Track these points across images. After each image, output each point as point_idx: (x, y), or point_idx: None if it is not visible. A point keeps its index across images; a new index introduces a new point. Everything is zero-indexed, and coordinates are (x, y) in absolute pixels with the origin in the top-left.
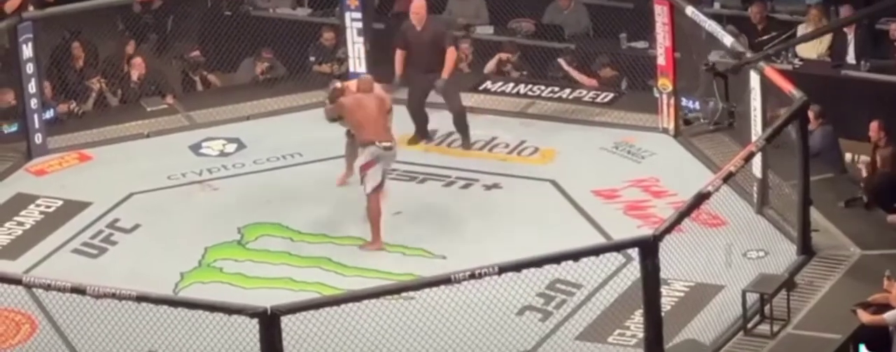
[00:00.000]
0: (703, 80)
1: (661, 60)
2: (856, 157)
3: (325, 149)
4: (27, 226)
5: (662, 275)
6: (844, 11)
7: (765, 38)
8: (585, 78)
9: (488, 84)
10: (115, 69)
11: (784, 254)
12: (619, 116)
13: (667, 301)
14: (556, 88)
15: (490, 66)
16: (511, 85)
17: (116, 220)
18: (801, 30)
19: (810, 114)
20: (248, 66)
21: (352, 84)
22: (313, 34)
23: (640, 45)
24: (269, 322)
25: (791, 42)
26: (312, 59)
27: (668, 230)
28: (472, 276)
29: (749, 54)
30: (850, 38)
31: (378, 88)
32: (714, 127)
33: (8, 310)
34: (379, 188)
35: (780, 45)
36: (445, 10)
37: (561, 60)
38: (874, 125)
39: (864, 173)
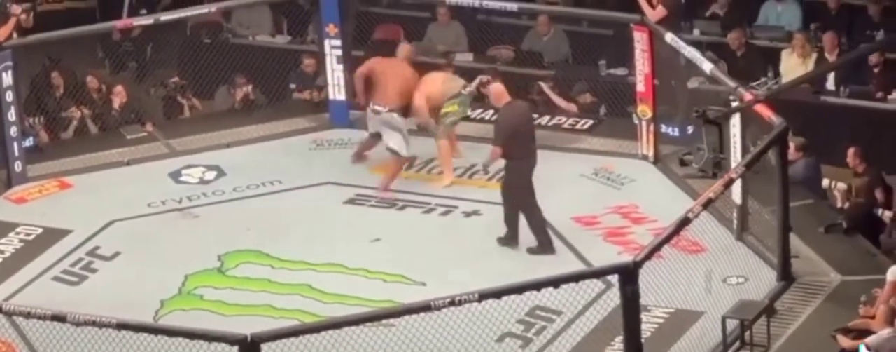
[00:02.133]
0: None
1: (640, 87)
2: (833, 183)
3: (305, 176)
4: (7, 254)
5: (642, 301)
6: (827, 38)
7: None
8: (565, 103)
9: (468, 111)
10: (98, 97)
11: (764, 280)
12: (598, 143)
13: (647, 328)
14: (536, 115)
15: (470, 88)
16: (491, 112)
17: (97, 247)
18: (784, 56)
19: (792, 145)
20: (224, 94)
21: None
22: (293, 62)
23: (620, 71)
24: (250, 350)
25: (786, 84)
26: (293, 86)
27: (648, 257)
28: (453, 302)
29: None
30: (831, 62)
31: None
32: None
33: None
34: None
35: (774, 87)
36: (425, 38)
37: (542, 84)
38: (851, 152)
39: (839, 202)
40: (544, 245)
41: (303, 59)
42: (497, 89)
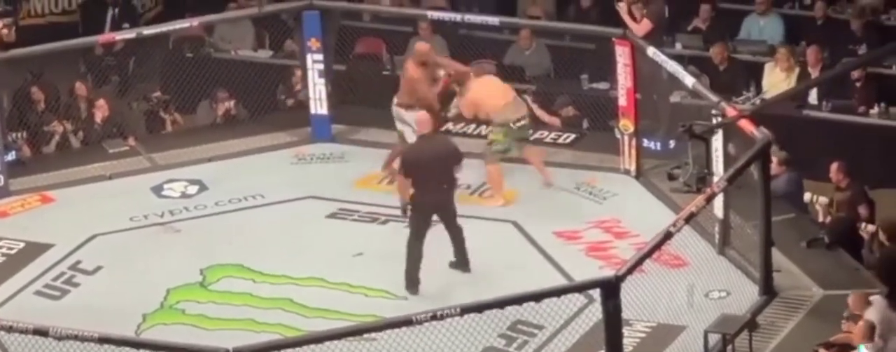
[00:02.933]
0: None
1: (622, 101)
2: (814, 197)
3: (287, 190)
4: None
5: (624, 316)
6: (810, 53)
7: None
8: (549, 117)
9: (450, 125)
10: (77, 111)
11: (746, 294)
12: (580, 157)
13: (629, 342)
14: None
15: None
16: (473, 126)
17: (79, 261)
18: (767, 70)
19: (775, 159)
20: (206, 108)
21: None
22: (274, 76)
23: (602, 86)
24: None
25: (772, 99)
26: (283, 97)
27: (630, 271)
28: (434, 317)
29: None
30: (815, 77)
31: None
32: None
33: None
34: None
35: (760, 103)
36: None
37: (526, 96)
38: (835, 167)
39: (821, 217)
40: (410, 283)
41: (293, 71)
42: (422, 117)
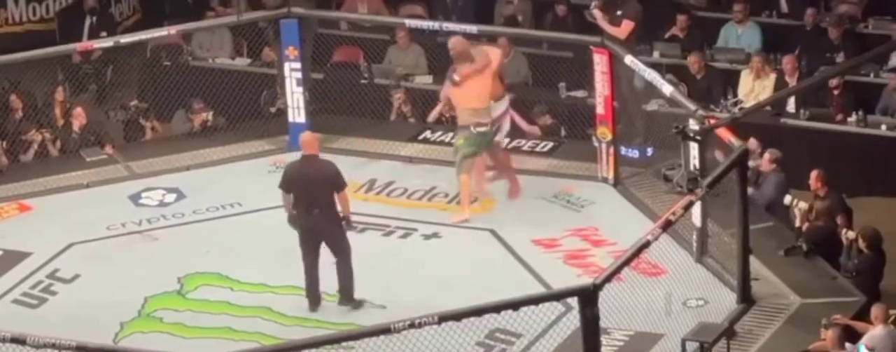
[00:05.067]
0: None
1: (600, 109)
2: (795, 201)
3: (265, 199)
4: None
5: (602, 324)
6: (787, 61)
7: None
8: (528, 125)
9: (428, 134)
10: (54, 119)
11: (724, 302)
12: (558, 166)
13: (607, 350)
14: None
15: (433, 115)
16: (451, 134)
17: (56, 270)
18: (743, 77)
19: (767, 156)
20: (182, 117)
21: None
22: (252, 84)
23: (580, 94)
24: None
25: (764, 101)
26: (264, 104)
27: (608, 279)
28: (412, 325)
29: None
30: (794, 86)
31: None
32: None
33: None
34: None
35: (755, 107)
36: (385, 60)
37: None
38: (814, 175)
39: (799, 222)
40: (311, 302)
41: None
42: (306, 138)
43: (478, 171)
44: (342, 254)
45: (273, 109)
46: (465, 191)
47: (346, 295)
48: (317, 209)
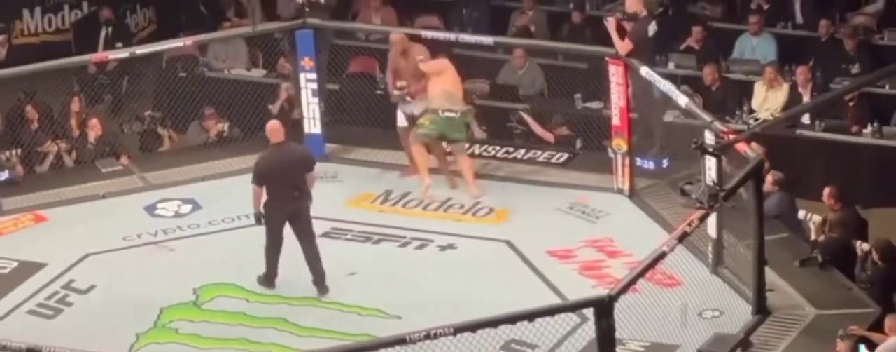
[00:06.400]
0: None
1: (615, 121)
2: (809, 215)
3: None
4: None
5: (617, 335)
6: (800, 72)
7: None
8: (543, 131)
9: (444, 144)
10: (70, 129)
11: (739, 313)
12: (573, 177)
13: None
14: (511, 149)
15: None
16: (465, 145)
17: (72, 281)
18: (757, 88)
19: (769, 178)
20: (196, 128)
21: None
22: (268, 95)
23: (595, 105)
24: None
25: (781, 116)
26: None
27: (624, 290)
28: (428, 336)
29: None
30: (806, 98)
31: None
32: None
33: None
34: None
35: (774, 121)
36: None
37: (523, 113)
38: (827, 192)
39: (814, 235)
40: (266, 283)
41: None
42: (272, 127)
43: (466, 168)
44: (313, 236)
45: (275, 111)
46: (422, 159)
47: (321, 277)
48: (297, 192)
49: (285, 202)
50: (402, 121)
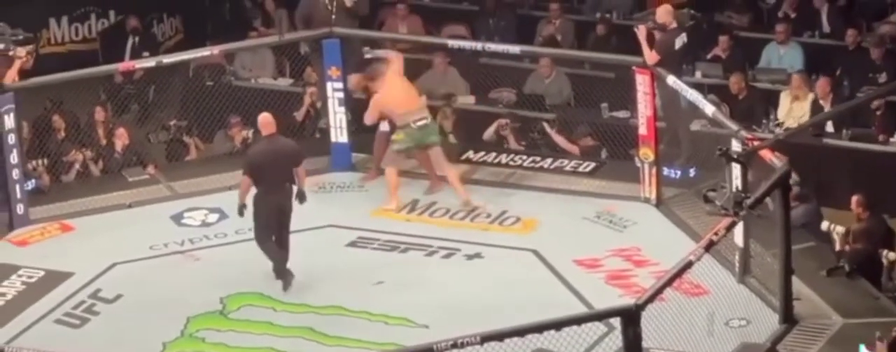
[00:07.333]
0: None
1: (642, 130)
2: (832, 226)
3: (306, 219)
4: (9, 296)
5: (644, 344)
6: (820, 85)
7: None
8: (567, 143)
9: (470, 153)
10: (97, 138)
11: (766, 323)
12: (600, 186)
13: None
14: (538, 158)
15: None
16: (493, 155)
17: (99, 290)
18: (783, 98)
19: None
20: (222, 137)
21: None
22: (294, 104)
23: (622, 114)
24: None
25: (806, 123)
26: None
27: (651, 299)
28: (455, 345)
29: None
30: (827, 108)
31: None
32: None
33: None
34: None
35: (798, 129)
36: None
37: (546, 125)
38: (855, 200)
39: (838, 246)
40: (281, 276)
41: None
42: (264, 119)
43: (452, 175)
44: (288, 227)
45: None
46: (393, 182)
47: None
48: (287, 183)
49: (274, 194)
50: (384, 125)
